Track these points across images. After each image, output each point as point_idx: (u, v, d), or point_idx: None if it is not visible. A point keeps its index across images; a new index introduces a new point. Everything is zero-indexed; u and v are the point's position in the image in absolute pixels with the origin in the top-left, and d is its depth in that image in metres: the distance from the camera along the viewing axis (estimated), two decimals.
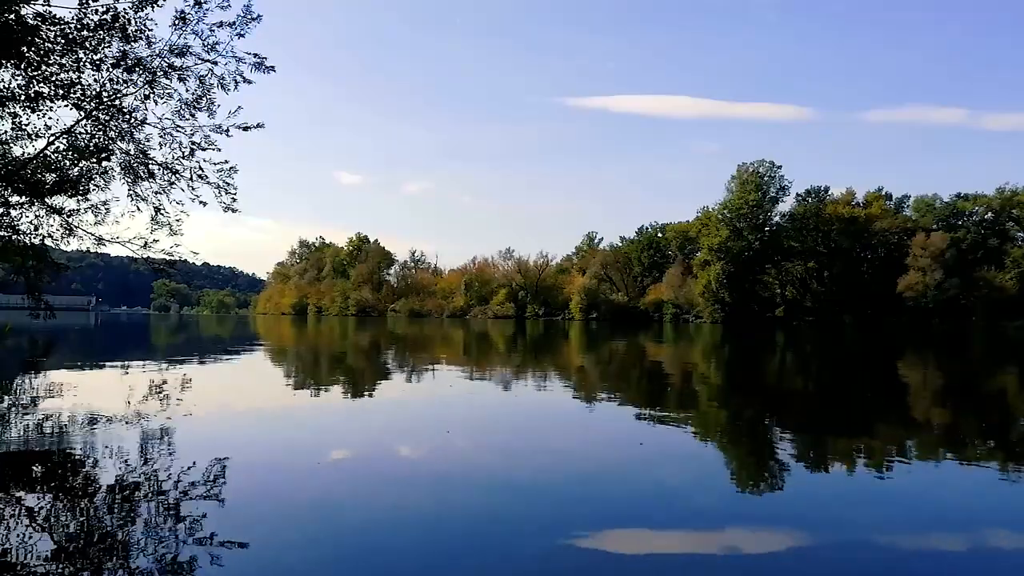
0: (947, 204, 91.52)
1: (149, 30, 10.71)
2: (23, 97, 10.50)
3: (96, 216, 12.03)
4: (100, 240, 12.07)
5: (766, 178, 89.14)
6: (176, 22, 10.83)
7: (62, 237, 12.07)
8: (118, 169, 11.84)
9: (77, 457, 6.00)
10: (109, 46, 10.63)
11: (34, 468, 5.67)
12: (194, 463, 5.69)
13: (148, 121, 11.50)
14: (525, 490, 5.35)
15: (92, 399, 9.65)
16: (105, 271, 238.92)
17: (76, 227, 12.04)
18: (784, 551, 4.05)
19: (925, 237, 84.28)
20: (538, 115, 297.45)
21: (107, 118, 11.33)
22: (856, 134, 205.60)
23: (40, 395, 10.11)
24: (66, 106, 10.91)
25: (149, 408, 8.84)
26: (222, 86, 11.32)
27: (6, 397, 10.11)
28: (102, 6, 10.28)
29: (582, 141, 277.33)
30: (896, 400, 11.67)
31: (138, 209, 11.99)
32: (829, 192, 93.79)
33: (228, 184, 11.95)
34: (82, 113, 11.09)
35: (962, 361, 22.02)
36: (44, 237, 11.96)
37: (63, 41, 10.28)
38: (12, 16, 9.81)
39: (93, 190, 11.86)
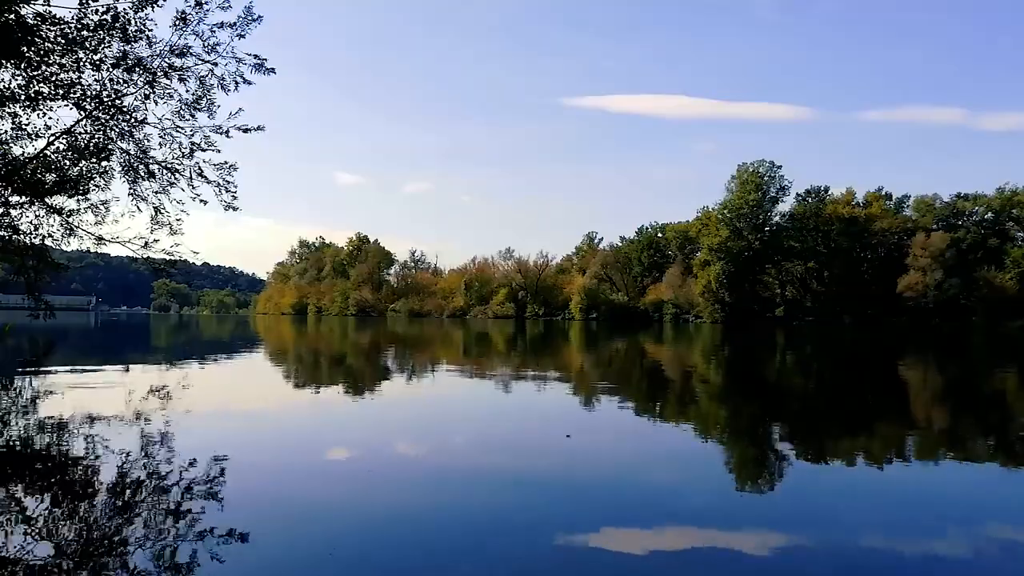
0: (947, 204, 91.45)
1: (149, 30, 10.70)
2: (23, 97, 10.49)
3: (96, 216, 12.01)
4: (100, 240, 12.05)
5: (766, 178, 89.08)
6: (176, 22, 10.82)
7: (62, 237, 12.06)
8: (118, 169, 11.83)
9: (77, 456, 6.00)
10: (109, 46, 10.63)
11: (34, 467, 5.67)
12: (194, 462, 5.69)
13: (148, 121, 11.50)
14: (524, 490, 5.36)
15: (92, 399, 9.65)
16: (105, 271, 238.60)
17: (76, 227, 12.03)
18: (784, 551, 4.05)
19: (925, 237, 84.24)
20: (538, 115, 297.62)
21: (107, 118, 11.32)
22: (856, 134, 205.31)
23: (40, 395, 10.11)
24: (66, 106, 10.91)
25: (149, 408, 8.84)
26: (222, 87, 11.34)
27: (6, 397, 10.11)
28: (102, 6, 10.28)
29: (582, 141, 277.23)
30: (896, 400, 11.67)
31: (138, 209, 11.98)
32: (829, 192, 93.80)
33: (228, 182, 11.96)
34: (82, 113, 11.08)
35: (962, 361, 22.02)
36: (44, 237, 11.94)
37: (63, 41, 10.28)
38: (12, 16, 9.81)
39: (93, 190, 11.84)
